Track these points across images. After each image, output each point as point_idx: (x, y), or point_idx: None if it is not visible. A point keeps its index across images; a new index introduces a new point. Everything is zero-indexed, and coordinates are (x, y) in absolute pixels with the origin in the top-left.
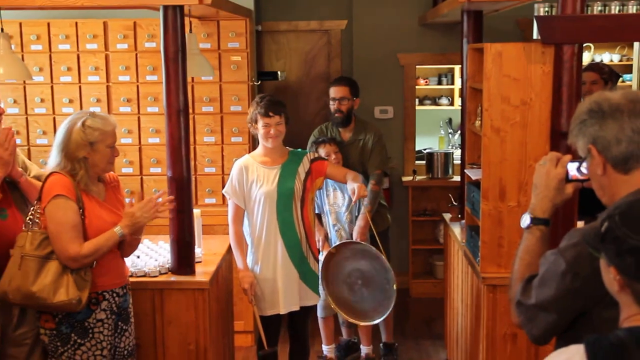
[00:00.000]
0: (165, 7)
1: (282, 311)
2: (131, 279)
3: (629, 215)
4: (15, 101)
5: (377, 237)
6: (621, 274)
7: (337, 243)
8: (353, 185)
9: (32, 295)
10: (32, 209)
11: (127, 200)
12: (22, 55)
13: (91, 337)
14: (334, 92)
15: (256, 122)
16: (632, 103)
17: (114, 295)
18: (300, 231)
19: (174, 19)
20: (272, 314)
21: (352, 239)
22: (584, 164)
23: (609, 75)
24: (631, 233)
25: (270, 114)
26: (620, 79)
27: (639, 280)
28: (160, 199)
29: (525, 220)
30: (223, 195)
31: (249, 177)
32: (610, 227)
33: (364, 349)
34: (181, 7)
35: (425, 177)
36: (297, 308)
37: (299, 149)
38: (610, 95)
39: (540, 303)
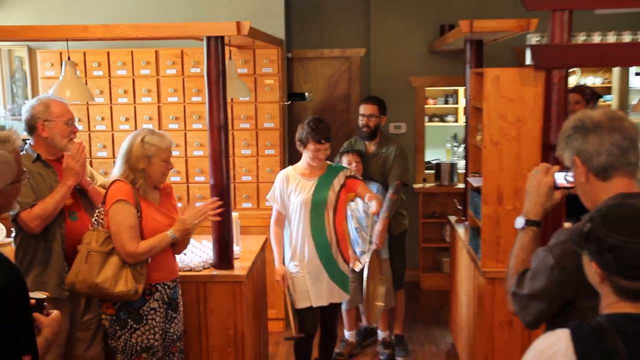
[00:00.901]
0: (209, 38)
1: (314, 304)
2: (180, 273)
3: (608, 218)
4: (79, 119)
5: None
6: (601, 269)
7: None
8: (370, 203)
9: (96, 286)
10: (97, 211)
11: (178, 205)
12: (86, 80)
13: (145, 323)
14: (363, 109)
15: (306, 144)
16: (610, 120)
17: (166, 287)
18: (330, 236)
19: (216, 48)
20: (303, 306)
21: (372, 240)
22: (570, 173)
23: (590, 95)
24: (610, 233)
25: (323, 141)
26: (601, 99)
27: (617, 274)
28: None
29: (520, 222)
30: (258, 200)
31: (289, 187)
32: (592, 228)
33: (381, 334)
34: (222, 38)
35: (433, 184)
36: (325, 304)
37: (338, 164)
38: (592, 114)
39: (532, 293)
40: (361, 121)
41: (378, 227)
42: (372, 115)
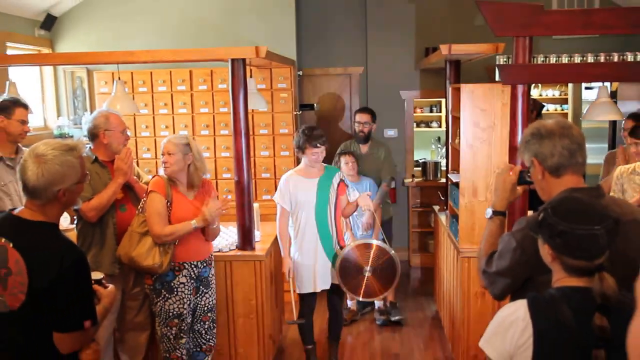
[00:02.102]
0: (232, 60)
1: (317, 289)
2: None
3: (558, 209)
4: (127, 128)
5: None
6: (553, 250)
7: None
8: (359, 201)
9: (132, 259)
10: (142, 200)
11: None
12: (133, 95)
13: (176, 294)
14: (359, 117)
15: (304, 149)
16: (561, 128)
17: (192, 266)
18: (332, 230)
19: (239, 68)
20: (307, 292)
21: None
22: (529, 172)
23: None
24: (560, 221)
25: (318, 145)
26: (554, 108)
27: (565, 254)
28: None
29: (488, 213)
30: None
31: (293, 187)
32: (545, 217)
33: (377, 303)
34: (243, 60)
35: (420, 179)
36: (327, 287)
37: (332, 166)
38: (547, 123)
39: (499, 271)
40: (357, 127)
41: (364, 218)
42: (367, 123)
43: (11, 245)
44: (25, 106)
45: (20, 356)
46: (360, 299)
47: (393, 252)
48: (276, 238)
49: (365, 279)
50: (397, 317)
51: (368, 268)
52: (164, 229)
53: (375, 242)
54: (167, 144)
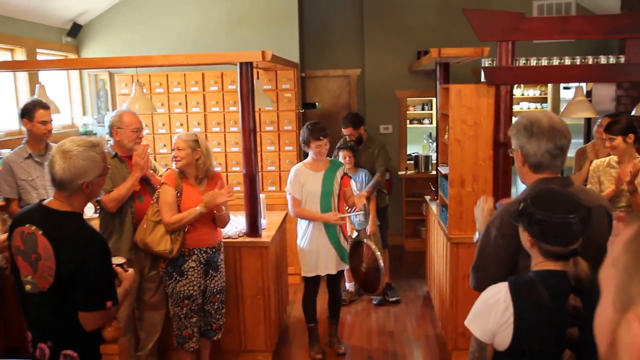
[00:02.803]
0: (241, 63)
1: (322, 273)
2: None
3: (536, 199)
4: (146, 125)
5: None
6: (531, 237)
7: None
8: (355, 200)
9: (146, 244)
10: (156, 192)
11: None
12: (151, 96)
13: (186, 277)
14: (344, 131)
15: (309, 143)
16: (551, 129)
17: (201, 252)
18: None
19: (247, 70)
20: (312, 275)
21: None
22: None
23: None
24: (538, 210)
25: (321, 138)
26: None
27: (543, 240)
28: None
29: (476, 237)
30: (280, 185)
31: (301, 179)
32: (525, 207)
33: None
34: (251, 63)
35: (413, 171)
36: (334, 272)
37: (337, 160)
38: (541, 121)
39: (484, 260)
40: (347, 137)
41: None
42: (351, 134)
43: (41, 232)
44: (45, 107)
45: (50, 332)
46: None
47: (381, 267)
48: (280, 226)
49: (360, 270)
50: (394, 298)
51: (365, 265)
52: (171, 218)
53: (378, 254)
54: (177, 140)
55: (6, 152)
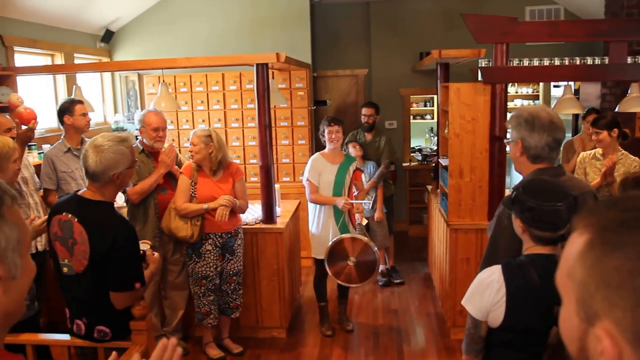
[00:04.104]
0: (257, 64)
1: None
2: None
3: (528, 188)
4: (171, 122)
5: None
6: (523, 223)
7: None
8: (355, 206)
9: (170, 230)
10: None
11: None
12: (175, 95)
13: (203, 259)
14: (365, 110)
15: (324, 132)
16: (551, 124)
17: (217, 237)
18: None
19: (263, 71)
20: (322, 258)
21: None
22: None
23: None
24: (529, 198)
25: (332, 124)
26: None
27: (533, 226)
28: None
29: None
30: (294, 176)
31: (319, 167)
32: (517, 195)
33: (380, 267)
34: (266, 64)
35: (416, 163)
36: None
37: (351, 156)
38: (542, 116)
39: (489, 248)
40: (363, 119)
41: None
42: (371, 115)
43: (76, 220)
44: (80, 102)
45: (85, 310)
46: (340, 282)
47: (376, 250)
48: (294, 214)
49: (347, 267)
50: (398, 280)
51: (353, 259)
52: (181, 205)
53: (365, 239)
54: (193, 136)
55: (46, 147)
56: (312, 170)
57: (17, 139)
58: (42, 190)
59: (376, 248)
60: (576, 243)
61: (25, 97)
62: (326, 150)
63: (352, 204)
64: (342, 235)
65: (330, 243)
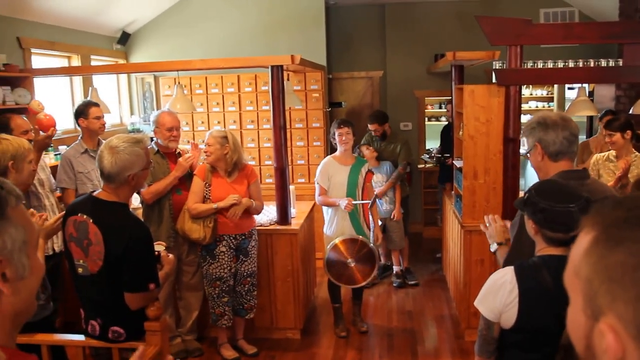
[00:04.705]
0: (272, 66)
1: None
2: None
3: (540, 190)
4: (187, 123)
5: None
6: (535, 224)
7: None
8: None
9: (184, 232)
10: None
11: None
12: (191, 97)
13: (217, 260)
14: (370, 126)
15: (334, 135)
16: (563, 121)
17: (231, 238)
18: (359, 210)
19: (278, 73)
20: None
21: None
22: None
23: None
24: (541, 200)
25: (342, 126)
26: (542, 105)
27: (545, 228)
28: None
29: (494, 247)
30: (309, 177)
31: (330, 171)
32: (529, 196)
33: (395, 268)
34: (281, 66)
35: (431, 165)
36: None
37: (363, 158)
38: (551, 115)
39: (511, 247)
40: (372, 133)
41: (382, 189)
42: (376, 130)
43: (91, 221)
44: (96, 105)
45: (100, 310)
46: (348, 286)
47: (372, 246)
48: (309, 215)
49: (349, 269)
50: (413, 281)
51: (350, 260)
52: (192, 205)
53: (357, 237)
54: (209, 137)
55: (63, 148)
56: (322, 173)
57: (35, 144)
58: (58, 191)
59: (372, 244)
60: (583, 241)
61: (42, 98)
62: (337, 152)
63: (355, 204)
64: (334, 241)
65: (326, 254)
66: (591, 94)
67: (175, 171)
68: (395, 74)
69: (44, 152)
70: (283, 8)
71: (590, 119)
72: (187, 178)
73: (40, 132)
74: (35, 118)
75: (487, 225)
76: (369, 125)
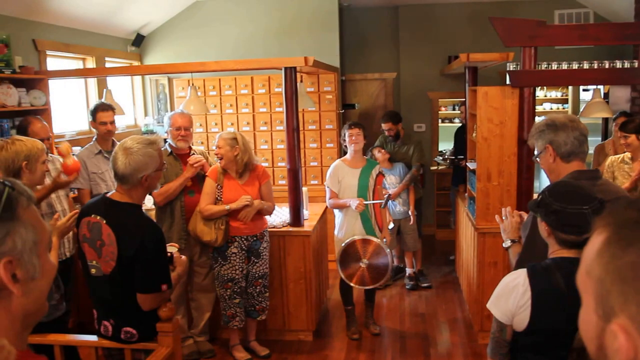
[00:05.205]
0: (286, 68)
1: None
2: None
3: (553, 191)
4: (200, 125)
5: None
6: (548, 226)
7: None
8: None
9: (196, 234)
10: None
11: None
12: (205, 98)
13: (228, 262)
14: (383, 126)
15: (345, 137)
16: (572, 122)
17: (242, 240)
18: (370, 211)
19: (291, 74)
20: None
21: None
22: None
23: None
24: (554, 201)
25: (353, 127)
26: (557, 107)
27: (558, 230)
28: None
29: (508, 243)
30: (322, 179)
31: (340, 174)
32: (543, 198)
33: (408, 270)
34: (294, 68)
35: (444, 166)
36: None
37: (373, 160)
38: (559, 117)
39: (523, 248)
40: (385, 132)
41: (396, 191)
42: (390, 129)
43: (104, 222)
44: (104, 109)
45: (112, 311)
46: (352, 284)
47: (389, 251)
48: (322, 217)
49: (360, 269)
50: (426, 284)
51: (365, 261)
52: (205, 207)
53: (376, 240)
54: (219, 139)
55: (76, 149)
56: (332, 176)
57: (53, 182)
58: (73, 192)
59: (388, 250)
60: (595, 242)
61: (57, 100)
62: (347, 155)
63: (366, 204)
64: (354, 237)
65: (342, 245)
66: (606, 95)
67: (185, 172)
68: (409, 75)
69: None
70: (297, 10)
71: (606, 120)
72: (199, 180)
73: (62, 175)
74: (62, 161)
75: (504, 218)
76: (382, 124)
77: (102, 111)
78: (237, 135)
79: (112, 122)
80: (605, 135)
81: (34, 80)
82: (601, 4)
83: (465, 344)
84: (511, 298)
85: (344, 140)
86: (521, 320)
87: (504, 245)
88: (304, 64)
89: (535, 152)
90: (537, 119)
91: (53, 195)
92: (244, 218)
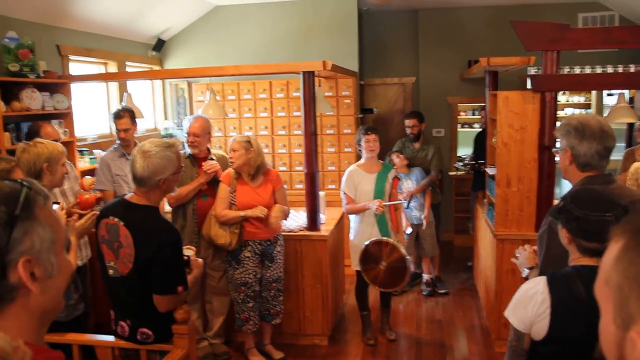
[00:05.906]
0: (304, 72)
1: None
2: (283, 234)
3: (575, 198)
4: (219, 129)
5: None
6: (569, 233)
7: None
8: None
9: (210, 237)
10: None
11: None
12: (223, 103)
13: (242, 265)
14: (407, 122)
15: (360, 142)
16: (602, 132)
17: (256, 244)
18: (387, 216)
19: (309, 79)
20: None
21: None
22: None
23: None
24: (576, 208)
25: (369, 133)
26: (579, 112)
27: (580, 237)
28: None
29: (525, 272)
30: (339, 183)
31: (356, 179)
32: (564, 204)
33: (425, 277)
34: (313, 72)
35: (463, 172)
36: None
37: (389, 164)
38: (592, 124)
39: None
40: (407, 130)
41: (412, 190)
42: (414, 126)
43: (122, 223)
44: (119, 117)
45: (129, 312)
46: (365, 279)
47: (410, 265)
48: (339, 221)
49: (376, 269)
50: (443, 290)
51: (383, 263)
52: (221, 212)
53: (403, 252)
54: (233, 143)
55: (97, 152)
56: (348, 182)
57: (73, 230)
58: (95, 192)
59: (411, 262)
60: (613, 249)
61: (79, 103)
62: (362, 160)
63: (385, 206)
64: (383, 238)
65: (368, 242)
66: (632, 100)
67: (200, 177)
68: (428, 80)
69: (78, 156)
70: (316, 14)
71: (630, 126)
72: (214, 185)
73: (78, 211)
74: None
75: (517, 255)
76: (405, 121)
77: (116, 118)
78: (250, 139)
79: (126, 130)
80: (630, 141)
81: (57, 84)
82: (627, 7)
83: (482, 352)
84: (530, 306)
85: (359, 145)
86: (539, 329)
87: (522, 275)
88: (322, 68)
89: (556, 146)
90: (563, 121)
91: (57, 191)
92: (275, 225)
